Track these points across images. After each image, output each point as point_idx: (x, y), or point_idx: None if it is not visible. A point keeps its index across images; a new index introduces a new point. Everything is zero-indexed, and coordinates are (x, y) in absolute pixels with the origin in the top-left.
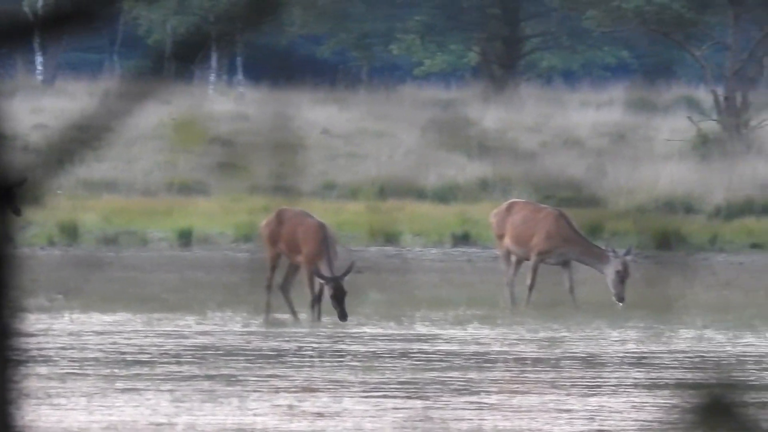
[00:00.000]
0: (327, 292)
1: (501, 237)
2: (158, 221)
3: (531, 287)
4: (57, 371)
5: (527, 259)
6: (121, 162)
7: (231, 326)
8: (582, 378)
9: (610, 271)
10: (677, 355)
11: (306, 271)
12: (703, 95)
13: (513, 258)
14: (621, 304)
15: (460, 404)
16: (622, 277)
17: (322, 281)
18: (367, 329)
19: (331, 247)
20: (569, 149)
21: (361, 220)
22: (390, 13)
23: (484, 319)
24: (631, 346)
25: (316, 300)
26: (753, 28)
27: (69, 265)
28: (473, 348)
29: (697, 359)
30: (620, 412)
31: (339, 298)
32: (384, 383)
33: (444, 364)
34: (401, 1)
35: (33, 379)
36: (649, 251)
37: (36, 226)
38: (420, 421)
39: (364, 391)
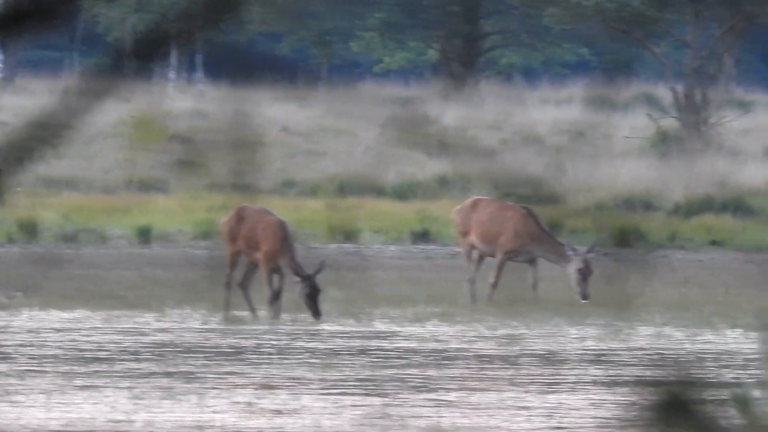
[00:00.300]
0: (301, 291)
1: (465, 234)
2: (117, 219)
3: (494, 285)
4: (16, 368)
5: (493, 256)
6: (81, 159)
7: (190, 323)
8: (541, 375)
9: (572, 269)
10: (636, 352)
11: (264, 269)
12: (663, 93)
13: (475, 255)
14: (585, 301)
15: (418, 401)
16: (584, 275)
17: (296, 279)
18: (326, 326)
19: (292, 245)
20: (529, 146)
21: (320, 217)
22: (350, 10)
23: (443, 317)
24: (590, 343)
25: (275, 297)
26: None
27: (28, 262)
28: (432, 345)
29: (656, 356)
30: (579, 409)
31: (314, 296)
32: (342, 380)
33: (403, 362)
34: None
35: None
36: (608, 249)
37: None
38: (378, 418)
39: (322, 388)
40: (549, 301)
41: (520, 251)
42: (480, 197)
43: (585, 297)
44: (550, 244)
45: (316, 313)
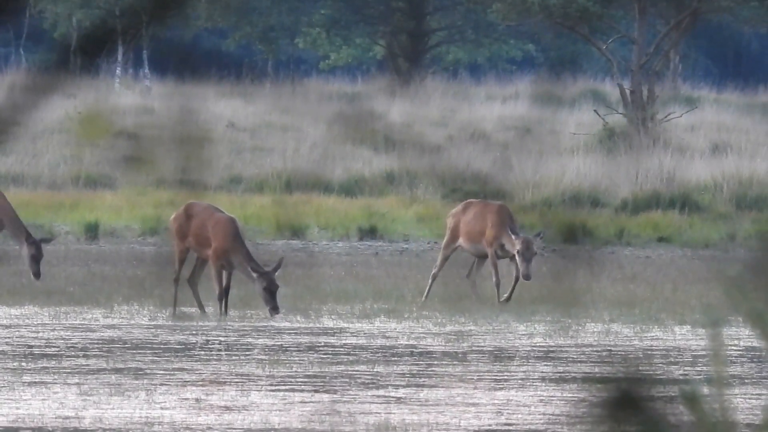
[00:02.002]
0: (259, 287)
1: (455, 238)
2: (64, 215)
3: (497, 283)
4: None
5: (482, 256)
6: (27, 156)
7: (138, 320)
8: (489, 372)
9: (515, 250)
10: (584, 349)
11: (214, 266)
12: (609, 89)
13: (449, 254)
14: (527, 280)
15: (367, 398)
16: (524, 257)
17: (254, 276)
18: (274, 323)
19: (243, 242)
20: (475, 143)
21: (267, 213)
22: (295, 6)
23: (391, 313)
24: (538, 340)
25: (224, 294)
26: (658, 22)
27: None
28: (380, 342)
29: (604, 353)
30: (528, 405)
31: (272, 291)
32: (291, 377)
33: (351, 358)
34: None
35: None
36: (555, 245)
37: None
38: (327, 414)
39: (271, 385)
40: (496, 297)
41: (498, 240)
42: (471, 200)
43: (527, 277)
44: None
45: (274, 308)
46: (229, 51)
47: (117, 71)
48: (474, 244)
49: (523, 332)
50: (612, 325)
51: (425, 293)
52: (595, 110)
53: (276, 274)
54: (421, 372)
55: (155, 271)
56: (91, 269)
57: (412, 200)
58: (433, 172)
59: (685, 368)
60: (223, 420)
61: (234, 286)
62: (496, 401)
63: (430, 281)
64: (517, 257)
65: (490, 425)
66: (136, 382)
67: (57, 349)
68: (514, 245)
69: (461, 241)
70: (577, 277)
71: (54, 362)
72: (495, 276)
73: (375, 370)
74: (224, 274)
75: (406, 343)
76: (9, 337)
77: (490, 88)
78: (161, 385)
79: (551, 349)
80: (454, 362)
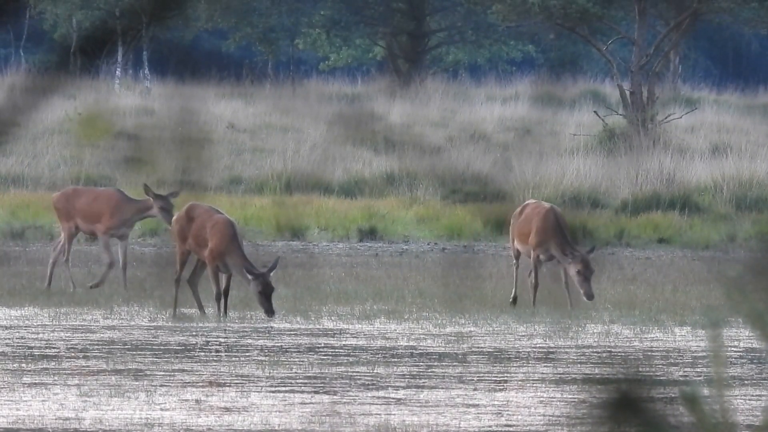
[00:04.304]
0: (254, 289)
1: (512, 240)
2: None
3: (535, 286)
4: None
5: (529, 257)
6: (27, 157)
7: (138, 321)
8: (489, 373)
9: (572, 271)
10: (584, 350)
11: (211, 267)
12: (609, 90)
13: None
14: (590, 300)
15: (367, 399)
16: (584, 275)
17: (249, 278)
18: (274, 324)
19: (240, 244)
20: (475, 144)
21: (267, 214)
22: (295, 7)
23: (391, 314)
24: (538, 341)
25: (222, 295)
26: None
27: None
28: (380, 343)
29: (604, 354)
30: (528, 407)
31: (267, 294)
32: (291, 378)
33: (351, 359)
34: None
35: None
36: None
37: None
38: (327, 416)
39: (271, 386)
40: (497, 299)
41: (542, 247)
42: (528, 201)
43: (589, 297)
44: (563, 245)
45: (269, 311)
46: (229, 52)
47: (117, 72)
48: (524, 245)
49: (523, 333)
50: (612, 326)
51: (512, 294)
52: (595, 111)
53: (272, 274)
54: (421, 373)
55: (155, 271)
56: (91, 270)
57: (412, 201)
58: (433, 173)
59: (685, 369)
60: (223, 421)
61: (234, 287)
62: (496, 402)
63: (514, 279)
64: (576, 277)
65: (490, 426)
66: (136, 383)
67: (57, 350)
68: (563, 256)
69: (515, 243)
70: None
71: (54, 363)
72: (534, 279)
73: (375, 371)
74: (225, 275)
75: (406, 344)
76: (9, 339)
77: (490, 89)
78: (161, 386)
79: (551, 350)
80: (454, 363)
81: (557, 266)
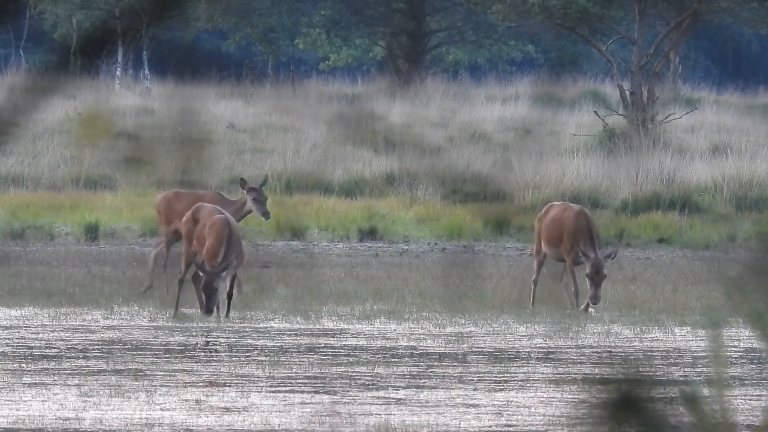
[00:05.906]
0: (221, 285)
1: (539, 241)
2: (64, 216)
3: (575, 291)
4: None
5: (561, 260)
6: (27, 156)
7: (138, 321)
8: (489, 373)
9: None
10: (585, 350)
11: (207, 264)
12: (609, 90)
13: (542, 259)
14: (595, 304)
15: (367, 399)
16: (594, 281)
17: (201, 274)
18: (274, 324)
19: (232, 244)
20: (475, 144)
21: None
22: (295, 7)
23: (391, 314)
24: (538, 341)
25: (227, 297)
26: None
27: None
28: (380, 343)
29: (604, 354)
30: (528, 407)
31: (206, 291)
32: (291, 378)
33: (351, 359)
34: None
35: None
36: None
37: None
38: (327, 416)
39: (271, 386)
40: (497, 299)
41: (576, 251)
42: (553, 203)
43: (595, 300)
44: (593, 248)
45: (207, 310)
46: (229, 52)
47: (117, 72)
48: (553, 248)
49: (524, 333)
50: (612, 326)
51: (531, 300)
52: (595, 111)
53: (224, 273)
54: (421, 373)
55: (155, 272)
56: (91, 270)
57: (412, 201)
58: (434, 173)
59: (686, 369)
60: (224, 421)
61: (234, 288)
62: (496, 402)
63: (532, 287)
64: (587, 280)
65: (490, 426)
66: (136, 383)
67: (57, 350)
68: (586, 257)
69: (543, 245)
70: (577, 277)
71: (54, 363)
72: (573, 284)
73: (375, 371)
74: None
75: (406, 344)
76: (9, 339)
77: (490, 89)
78: (161, 386)
79: (551, 350)
80: (454, 363)
81: (564, 270)
